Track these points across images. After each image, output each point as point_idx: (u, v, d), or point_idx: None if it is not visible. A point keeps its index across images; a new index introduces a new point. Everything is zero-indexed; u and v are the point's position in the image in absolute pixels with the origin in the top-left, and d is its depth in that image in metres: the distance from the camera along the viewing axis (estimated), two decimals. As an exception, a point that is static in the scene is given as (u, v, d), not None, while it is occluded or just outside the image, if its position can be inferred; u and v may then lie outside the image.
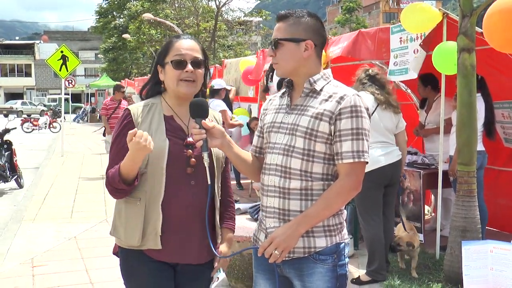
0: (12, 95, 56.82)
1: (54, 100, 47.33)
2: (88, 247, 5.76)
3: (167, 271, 2.21)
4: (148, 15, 22.42)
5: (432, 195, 6.64)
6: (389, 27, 5.63)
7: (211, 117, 2.29)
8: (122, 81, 23.69)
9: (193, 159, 2.17)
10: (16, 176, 9.38)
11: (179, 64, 2.19)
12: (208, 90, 7.26)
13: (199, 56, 2.24)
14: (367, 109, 2.08)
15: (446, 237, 4.66)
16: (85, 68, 60.46)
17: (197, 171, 2.17)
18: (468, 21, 4.32)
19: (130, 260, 2.22)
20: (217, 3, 26.13)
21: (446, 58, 4.69)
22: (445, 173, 5.23)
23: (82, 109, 37.20)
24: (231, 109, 8.55)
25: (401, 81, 6.37)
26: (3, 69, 60.10)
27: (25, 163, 11.60)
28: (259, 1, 33.88)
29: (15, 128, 11.07)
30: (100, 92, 43.27)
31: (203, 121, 2.07)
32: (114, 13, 35.21)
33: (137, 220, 2.16)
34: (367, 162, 2.07)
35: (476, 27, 4.42)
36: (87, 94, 39.37)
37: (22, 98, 53.79)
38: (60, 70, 14.43)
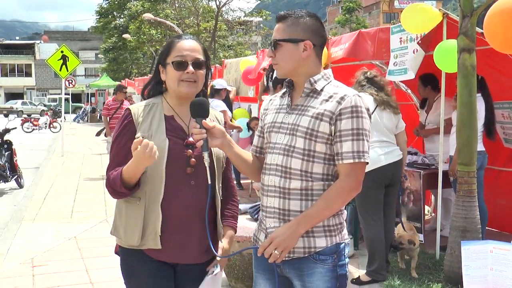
0: (12, 95, 56.83)
1: (54, 100, 47.33)
2: (88, 247, 5.76)
3: (167, 271, 2.22)
4: (148, 15, 22.43)
5: (432, 195, 6.64)
6: (389, 27, 5.63)
7: (212, 117, 2.29)
8: (122, 81, 23.70)
9: (193, 159, 2.17)
10: (16, 176, 9.37)
11: (180, 65, 2.19)
12: (208, 89, 7.26)
13: (200, 57, 2.24)
14: (367, 110, 2.08)
15: (446, 237, 4.66)
16: (85, 68, 60.47)
17: (197, 171, 2.17)
18: (469, 21, 4.32)
19: (130, 259, 2.22)
20: (218, 3, 26.13)
21: (448, 56, 4.68)
22: (445, 173, 5.24)
23: (82, 109, 37.19)
24: (231, 110, 8.56)
25: (401, 81, 6.37)
26: (3, 69, 60.10)
27: (25, 163, 11.60)
28: (259, 1, 33.86)
29: (15, 128, 11.07)
30: (100, 92, 43.28)
31: (204, 120, 2.07)
32: (115, 13, 35.21)
33: (137, 220, 2.16)
34: (367, 163, 2.07)
35: (477, 27, 4.42)
36: (87, 94, 39.38)
37: (22, 98, 53.80)
38: (60, 70, 14.42)
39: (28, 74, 60.72)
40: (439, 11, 4.96)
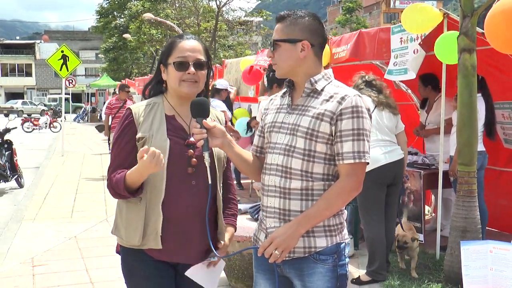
0: (12, 95, 56.86)
1: (54, 99, 47.34)
2: (88, 246, 5.76)
3: (167, 270, 2.22)
4: (148, 15, 22.41)
5: (433, 195, 6.64)
6: (390, 27, 5.63)
7: (213, 116, 2.29)
8: (123, 80, 23.68)
9: (194, 159, 2.17)
10: (17, 175, 9.37)
11: (181, 65, 2.19)
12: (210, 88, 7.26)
13: (202, 57, 2.23)
14: (368, 110, 2.08)
15: (446, 237, 4.66)
16: (85, 68, 60.44)
17: (198, 171, 2.17)
18: (469, 21, 4.32)
19: (131, 259, 2.22)
20: (218, 3, 26.11)
21: (448, 47, 4.63)
22: (445, 173, 5.24)
23: (83, 109, 37.19)
24: (231, 110, 8.54)
25: (402, 81, 6.37)
26: (4, 69, 60.09)
27: (26, 163, 11.61)
28: (259, 1, 33.85)
29: (16, 127, 11.07)
30: (100, 92, 43.25)
31: (204, 120, 2.07)
32: (115, 13, 35.19)
33: (138, 219, 2.16)
34: (368, 163, 2.07)
35: (477, 28, 4.42)
36: (88, 94, 39.40)
37: (23, 98, 53.82)
38: (60, 70, 14.42)
39: (29, 74, 60.73)
40: (440, 11, 4.96)
